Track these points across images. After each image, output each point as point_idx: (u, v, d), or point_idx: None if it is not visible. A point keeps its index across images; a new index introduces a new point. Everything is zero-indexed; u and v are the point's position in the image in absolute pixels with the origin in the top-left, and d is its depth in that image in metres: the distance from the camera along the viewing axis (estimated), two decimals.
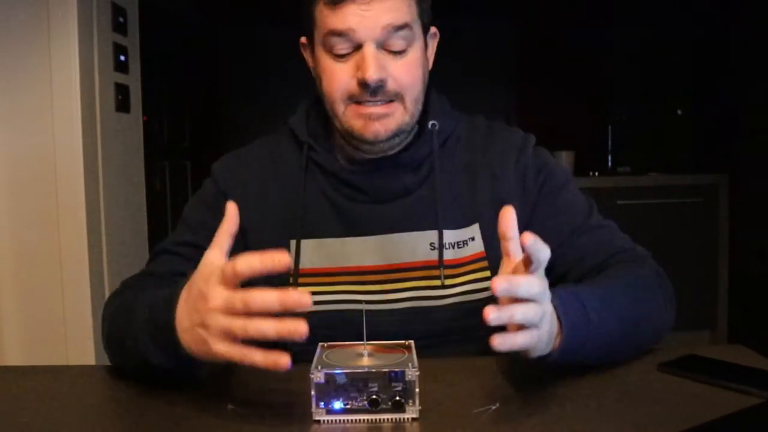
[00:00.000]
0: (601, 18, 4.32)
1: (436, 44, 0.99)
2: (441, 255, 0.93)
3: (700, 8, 4.23)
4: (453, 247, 0.95)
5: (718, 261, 3.17)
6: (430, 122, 0.97)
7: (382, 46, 0.87)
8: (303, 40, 0.97)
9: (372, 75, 0.84)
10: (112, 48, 2.30)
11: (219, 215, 0.94)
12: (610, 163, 4.15)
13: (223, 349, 0.64)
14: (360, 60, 0.86)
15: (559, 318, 0.69)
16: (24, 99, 2.10)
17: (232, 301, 0.62)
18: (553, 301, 0.68)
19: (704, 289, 3.14)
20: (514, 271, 0.67)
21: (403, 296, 0.94)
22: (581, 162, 3.38)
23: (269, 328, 0.61)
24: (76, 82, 2.08)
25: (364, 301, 0.92)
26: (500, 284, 0.60)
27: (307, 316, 0.91)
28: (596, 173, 3.44)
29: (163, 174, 3.54)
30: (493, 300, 0.91)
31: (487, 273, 0.95)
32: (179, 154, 3.81)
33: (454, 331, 0.93)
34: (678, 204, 3.15)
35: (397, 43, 0.87)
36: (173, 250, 0.98)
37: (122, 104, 2.36)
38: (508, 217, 0.67)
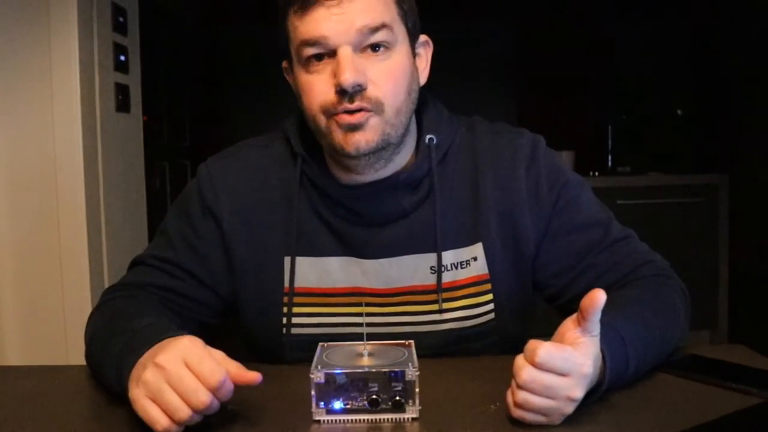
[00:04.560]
0: (602, 18, 4.32)
1: (430, 54, 0.91)
2: (440, 280, 0.89)
3: (700, 8, 4.23)
4: (454, 268, 0.90)
5: (718, 261, 3.17)
6: (427, 137, 0.90)
7: (360, 49, 0.80)
8: (284, 64, 0.90)
9: (348, 78, 0.77)
10: (112, 48, 2.30)
11: (201, 232, 0.93)
12: (610, 163, 4.15)
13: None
14: (336, 66, 0.79)
15: (604, 359, 0.69)
16: (24, 99, 2.10)
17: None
18: (602, 347, 0.68)
19: (704, 289, 3.14)
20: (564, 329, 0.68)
21: (400, 320, 0.91)
22: (581, 162, 3.38)
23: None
24: (76, 82, 2.08)
25: (360, 314, 0.89)
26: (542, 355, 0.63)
27: (303, 337, 0.91)
28: (596, 173, 3.44)
29: (163, 174, 3.54)
30: (491, 323, 0.91)
31: (489, 296, 0.91)
32: (179, 154, 3.82)
33: (452, 355, 0.91)
34: (678, 204, 3.15)
35: (378, 44, 0.80)
36: (153, 264, 0.93)
37: (122, 104, 2.36)
38: (597, 303, 0.64)
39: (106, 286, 2.27)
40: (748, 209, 3.84)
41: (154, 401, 0.63)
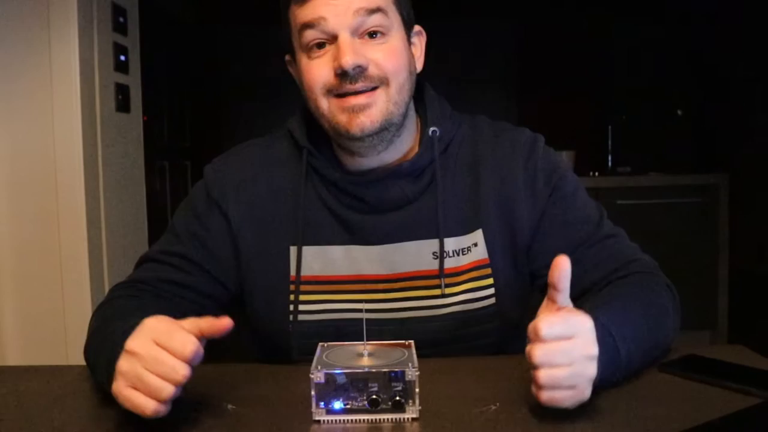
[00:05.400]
0: (602, 18, 4.32)
1: (424, 44, 0.96)
2: (442, 265, 0.91)
3: (700, 8, 4.23)
4: (455, 255, 0.92)
5: (718, 261, 3.17)
6: (431, 129, 0.93)
7: (358, 34, 0.84)
8: (287, 57, 0.94)
9: (348, 61, 0.81)
10: (112, 48, 2.30)
11: (209, 226, 0.95)
12: (610, 163, 4.14)
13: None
14: (336, 50, 0.83)
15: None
16: (24, 99, 2.10)
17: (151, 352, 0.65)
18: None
19: (704, 289, 3.14)
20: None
21: (403, 305, 0.93)
22: (581, 162, 3.38)
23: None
24: (76, 82, 2.08)
25: (364, 300, 0.91)
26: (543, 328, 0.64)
27: (309, 325, 0.92)
28: (596, 173, 3.44)
29: (163, 174, 3.54)
30: (492, 307, 0.92)
31: (490, 281, 0.93)
32: (179, 154, 3.81)
33: (455, 340, 0.92)
34: (678, 204, 3.15)
35: (373, 27, 0.85)
36: (161, 259, 0.95)
37: (122, 104, 2.36)
38: (564, 269, 0.66)
39: (106, 286, 2.29)
40: (748, 209, 3.83)
41: (136, 389, 0.64)
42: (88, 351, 0.83)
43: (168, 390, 0.63)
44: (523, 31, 4.43)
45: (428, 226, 0.92)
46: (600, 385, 0.70)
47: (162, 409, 0.64)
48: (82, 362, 0.86)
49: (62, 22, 2.07)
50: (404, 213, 0.92)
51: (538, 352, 0.64)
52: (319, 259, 0.93)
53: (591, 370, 0.65)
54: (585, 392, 0.66)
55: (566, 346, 0.64)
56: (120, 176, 2.36)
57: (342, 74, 0.83)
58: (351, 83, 0.83)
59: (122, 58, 2.36)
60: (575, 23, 4.34)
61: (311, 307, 0.93)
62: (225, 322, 0.67)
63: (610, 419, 0.67)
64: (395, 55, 0.86)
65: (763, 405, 0.69)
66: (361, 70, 0.83)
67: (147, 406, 0.63)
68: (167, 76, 3.58)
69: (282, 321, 0.93)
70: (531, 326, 0.65)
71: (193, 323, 0.67)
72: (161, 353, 0.64)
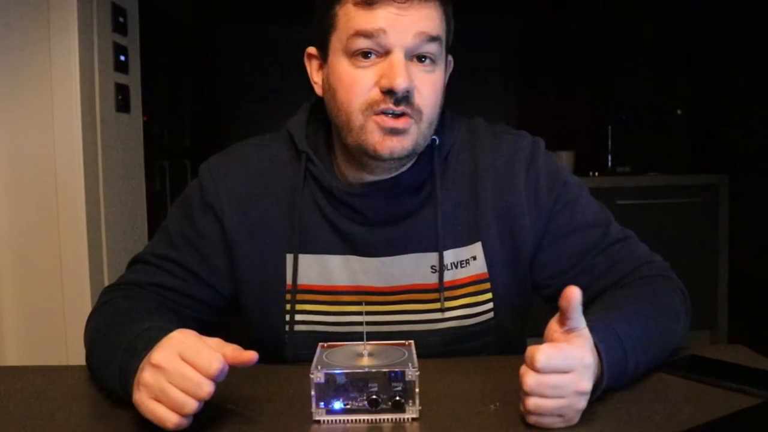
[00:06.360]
0: (601, 18, 4.32)
1: (448, 75, 0.92)
2: (441, 279, 0.90)
3: (700, 8, 4.23)
4: (454, 267, 0.90)
5: (718, 261, 3.17)
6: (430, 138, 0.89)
7: (410, 57, 0.81)
8: (311, 50, 0.90)
9: (401, 83, 0.78)
10: (112, 48, 2.30)
11: (203, 230, 0.93)
12: (610, 163, 4.15)
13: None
14: (387, 67, 0.79)
15: (599, 354, 0.70)
16: (24, 99, 2.10)
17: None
18: (595, 342, 0.69)
19: (704, 289, 3.14)
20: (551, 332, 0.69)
21: (400, 319, 0.91)
22: (581, 162, 3.38)
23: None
24: (76, 82, 2.08)
25: (362, 312, 0.89)
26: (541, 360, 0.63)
27: (305, 335, 0.91)
28: (596, 173, 3.44)
29: (163, 174, 3.54)
30: (491, 322, 0.91)
31: (488, 295, 0.91)
32: (179, 154, 3.81)
33: (452, 354, 0.91)
34: (678, 204, 3.15)
35: (425, 55, 0.82)
36: (154, 263, 0.93)
37: (122, 104, 2.36)
38: (574, 299, 0.65)
39: (106, 285, 2.27)
40: (748, 209, 3.83)
41: (159, 401, 0.64)
42: (91, 354, 0.82)
43: (191, 405, 0.63)
44: (523, 30, 4.43)
45: (427, 239, 0.90)
46: (604, 391, 0.71)
47: (184, 422, 0.64)
48: (82, 362, 0.86)
49: (62, 22, 2.07)
50: (403, 225, 0.90)
51: (529, 380, 0.64)
52: (316, 268, 0.91)
53: (581, 404, 0.65)
54: (573, 420, 0.65)
55: (559, 381, 0.63)
56: (120, 176, 2.36)
57: (389, 92, 0.79)
58: (395, 104, 0.80)
59: (122, 58, 2.36)
60: (575, 22, 4.34)
61: (307, 318, 0.92)
62: (250, 356, 0.66)
63: (610, 419, 0.67)
64: (436, 89, 0.84)
65: (763, 405, 0.69)
66: (408, 94, 0.80)
67: (169, 419, 0.63)
68: (167, 76, 3.58)
69: (278, 330, 0.92)
70: (528, 352, 0.65)
71: (219, 344, 0.67)
72: (187, 368, 0.63)
